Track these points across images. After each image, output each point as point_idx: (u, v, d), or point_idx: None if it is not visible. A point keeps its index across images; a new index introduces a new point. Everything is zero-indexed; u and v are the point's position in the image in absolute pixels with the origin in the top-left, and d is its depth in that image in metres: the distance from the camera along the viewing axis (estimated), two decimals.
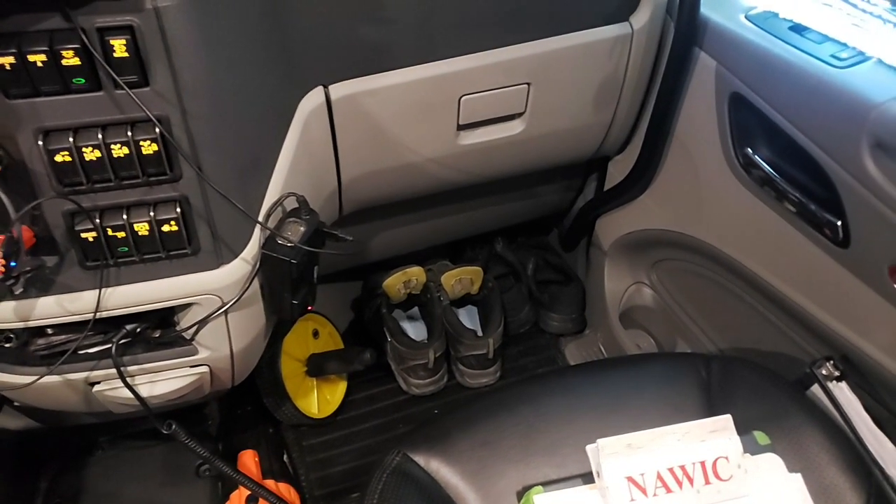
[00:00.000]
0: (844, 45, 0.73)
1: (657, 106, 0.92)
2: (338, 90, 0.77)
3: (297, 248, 0.69)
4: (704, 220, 0.95)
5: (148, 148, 0.61)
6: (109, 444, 1.11)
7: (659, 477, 0.62)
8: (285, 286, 0.73)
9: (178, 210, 0.65)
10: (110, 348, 0.71)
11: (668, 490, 0.62)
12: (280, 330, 1.10)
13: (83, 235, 0.63)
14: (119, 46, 0.56)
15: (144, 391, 0.77)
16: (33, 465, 1.08)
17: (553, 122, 0.93)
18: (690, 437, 0.63)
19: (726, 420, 0.64)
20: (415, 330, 1.30)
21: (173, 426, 0.80)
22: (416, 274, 1.23)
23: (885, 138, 0.66)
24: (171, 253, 0.67)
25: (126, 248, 0.65)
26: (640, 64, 0.91)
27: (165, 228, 0.65)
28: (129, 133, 0.60)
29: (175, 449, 1.08)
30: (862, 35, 0.72)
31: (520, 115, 0.91)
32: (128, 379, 0.75)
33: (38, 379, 0.70)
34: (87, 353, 0.73)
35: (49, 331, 0.71)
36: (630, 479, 0.62)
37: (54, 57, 0.55)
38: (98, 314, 0.67)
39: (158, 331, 0.75)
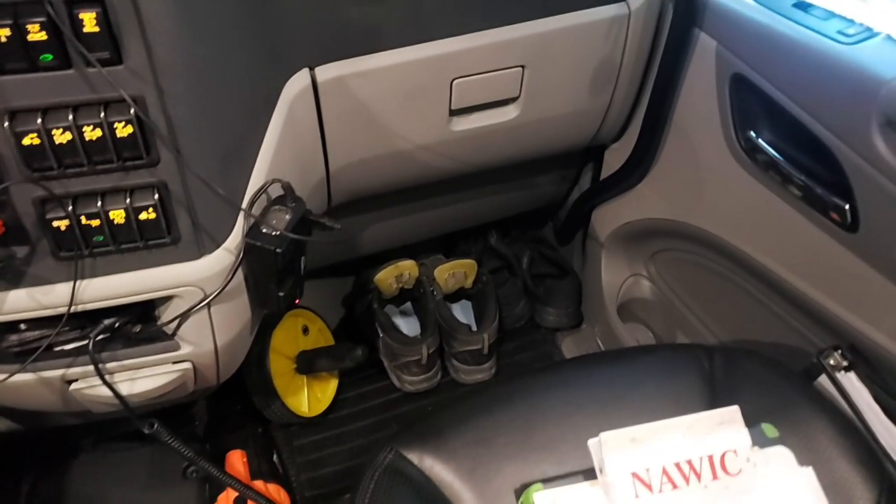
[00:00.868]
0: (851, 21, 0.71)
1: (655, 89, 0.89)
2: (324, 72, 0.74)
3: (283, 236, 0.66)
4: (705, 208, 0.92)
5: (122, 130, 0.57)
6: (93, 445, 1.07)
7: (665, 472, 0.59)
8: (271, 277, 0.69)
9: (156, 197, 0.61)
10: (87, 344, 0.68)
11: (675, 486, 0.60)
12: (268, 326, 1.07)
13: (55, 224, 0.60)
14: (89, 20, 0.53)
15: (124, 389, 0.73)
16: (14, 468, 1.05)
17: (548, 106, 0.90)
18: (697, 430, 0.60)
19: (734, 412, 0.61)
20: (408, 325, 1.27)
21: (155, 425, 0.76)
22: (408, 268, 1.20)
23: None
24: (150, 242, 0.64)
25: (101, 238, 0.62)
26: (637, 46, 0.88)
27: (143, 216, 0.62)
28: (102, 114, 0.56)
29: (161, 451, 1.04)
30: (869, 10, 0.69)
31: (514, 99, 0.88)
32: (107, 376, 0.71)
33: (9, 377, 0.67)
34: (62, 349, 0.69)
35: (22, 326, 0.67)
36: (635, 474, 0.59)
37: (19, 31, 0.52)
38: (73, 308, 0.64)
39: (138, 325, 0.72)
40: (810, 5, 0.75)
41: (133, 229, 0.62)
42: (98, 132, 0.57)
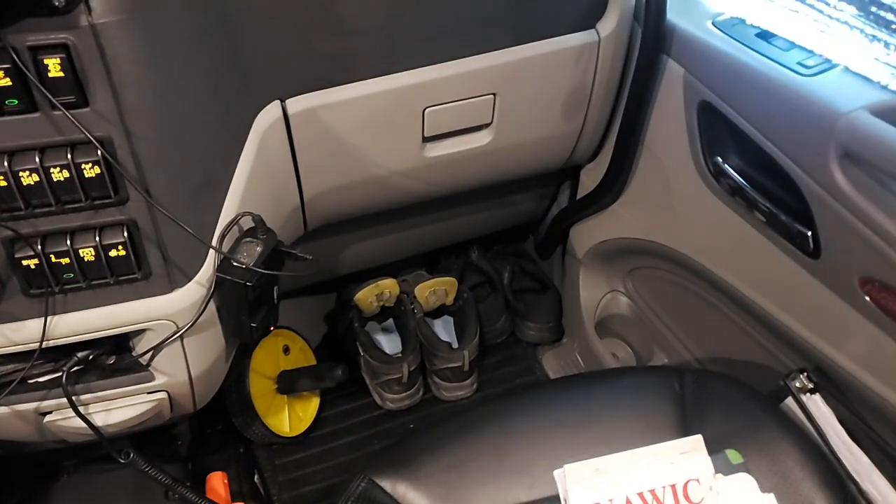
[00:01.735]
0: (811, 52, 0.72)
1: (626, 114, 0.90)
2: (295, 104, 0.75)
3: (253, 270, 0.67)
4: (677, 230, 0.94)
5: (90, 171, 0.58)
6: (75, 468, 1.07)
7: (628, 502, 0.60)
8: (242, 309, 0.70)
9: (126, 234, 0.62)
10: (61, 377, 0.68)
11: None
12: (247, 347, 1.07)
13: (24, 263, 0.61)
14: (53, 66, 0.53)
15: (99, 420, 0.74)
16: None
17: (521, 132, 0.91)
18: (660, 459, 0.61)
19: (697, 441, 0.63)
20: (389, 343, 1.27)
21: (131, 455, 0.77)
22: (388, 286, 1.21)
23: (853, 148, 0.65)
24: (121, 278, 0.64)
25: (72, 275, 0.63)
26: (608, 72, 0.89)
27: (113, 253, 0.62)
28: (70, 156, 0.57)
29: (142, 469, 1.05)
30: (828, 42, 0.71)
31: (487, 125, 0.89)
32: (82, 407, 0.72)
33: None
34: (36, 382, 0.70)
35: None
36: None
37: None
38: (45, 343, 0.65)
39: (113, 357, 0.72)
40: (773, 35, 0.76)
41: (103, 266, 0.63)
42: (65, 173, 0.58)
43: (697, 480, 0.61)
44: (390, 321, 1.30)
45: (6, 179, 0.56)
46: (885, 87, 0.65)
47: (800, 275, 0.76)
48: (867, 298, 0.68)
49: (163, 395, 0.76)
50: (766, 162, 0.75)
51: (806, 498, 0.68)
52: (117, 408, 0.74)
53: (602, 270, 1.17)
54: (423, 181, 0.92)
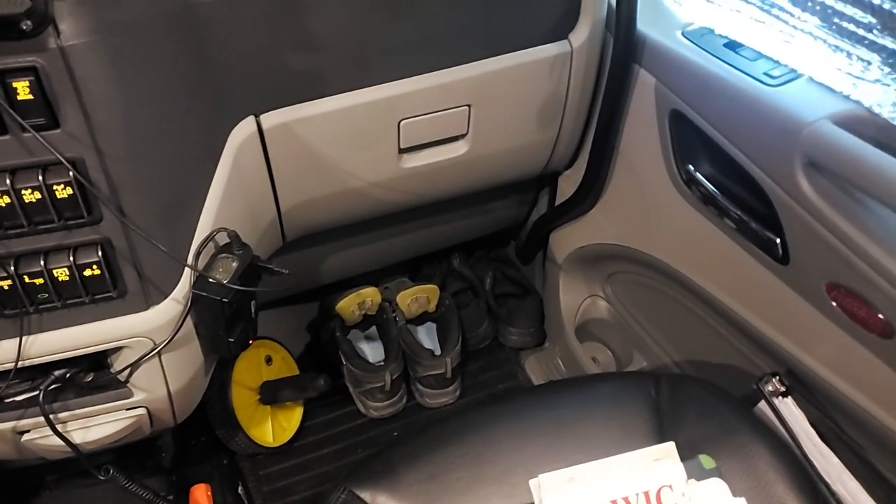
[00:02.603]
0: (777, 62, 0.73)
1: (600, 123, 0.91)
2: (269, 119, 0.75)
3: (228, 287, 0.67)
4: (652, 236, 0.95)
5: (62, 192, 0.58)
6: (57, 483, 1.07)
7: None
8: (219, 324, 0.70)
9: (100, 253, 0.62)
10: (38, 395, 0.68)
11: None
12: (228, 359, 1.08)
13: None
14: (22, 89, 0.53)
15: (78, 437, 0.74)
16: None
17: (497, 142, 0.92)
18: (634, 466, 0.62)
19: (669, 447, 0.64)
20: (373, 351, 1.28)
21: (111, 471, 0.77)
22: (370, 295, 1.21)
23: (817, 157, 0.66)
24: (96, 297, 0.65)
25: (46, 295, 0.63)
26: (581, 81, 0.90)
27: (87, 273, 0.63)
28: (41, 177, 0.57)
29: (123, 486, 1.04)
30: (793, 52, 0.72)
31: (463, 136, 0.89)
32: (60, 425, 0.72)
33: None
34: (13, 401, 0.70)
35: None
36: None
37: None
38: (20, 363, 0.65)
39: (90, 374, 0.72)
40: (740, 45, 0.77)
41: (78, 285, 0.63)
42: (37, 195, 0.58)
43: (670, 487, 0.62)
44: (373, 329, 1.30)
45: None
46: (847, 97, 0.66)
47: (770, 280, 0.77)
48: (834, 304, 0.70)
49: (142, 410, 0.76)
50: (736, 170, 0.76)
51: (778, 500, 0.69)
52: (96, 425, 0.75)
53: (582, 275, 1.18)
54: (400, 192, 0.93)
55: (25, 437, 0.72)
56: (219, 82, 0.69)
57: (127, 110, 0.59)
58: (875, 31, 0.67)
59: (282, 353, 1.20)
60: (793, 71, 0.72)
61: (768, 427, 0.76)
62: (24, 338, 0.64)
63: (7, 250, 0.60)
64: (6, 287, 0.61)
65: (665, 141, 0.86)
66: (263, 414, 1.15)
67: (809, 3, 0.70)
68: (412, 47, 0.78)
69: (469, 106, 0.86)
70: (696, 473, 0.66)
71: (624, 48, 0.84)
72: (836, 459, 0.73)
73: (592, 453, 0.71)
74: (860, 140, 0.62)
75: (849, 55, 0.68)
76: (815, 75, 0.69)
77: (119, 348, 0.69)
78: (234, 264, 0.69)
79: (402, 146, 0.86)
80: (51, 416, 0.70)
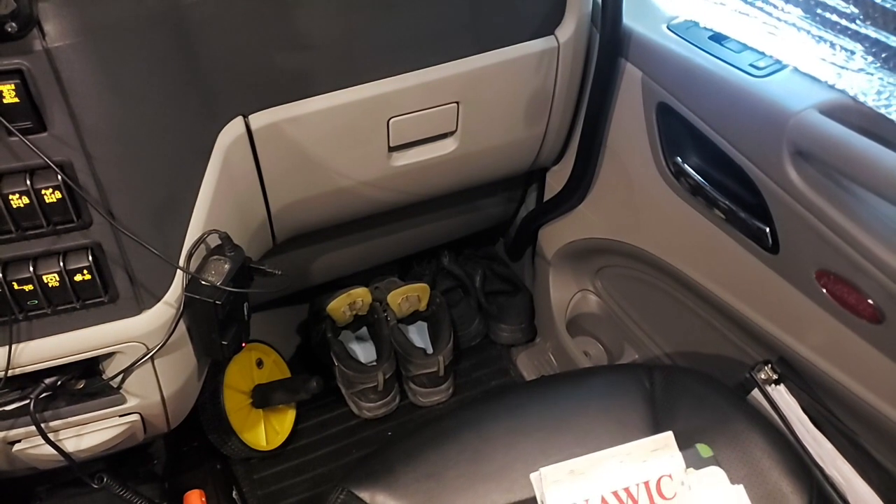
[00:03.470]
0: (762, 53, 0.74)
1: (588, 117, 0.92)
2: (258, 119, 0.75)
3: (221, 288, 0.67)
4: (641, 229, 0.96)
5: (51, 196, 0.57)
6: (48, 493, 1.05)
7: (604, 501, 0.61)
8: (213, 327, 0.70)
9: (91, 258, 0.61)
10: (28, 404, 0.67)
11: None
12: (220, 364, 1.07)
13: None
14: (8, 91, 0.53)
15: (71, 445, 0.73)
16: None
17: (486, 138, 0.92)
18: (633, 457, 0.63)
19: (667, 438, 0.64)
20: (364, 351, 1.27)
21: (105, 479, 0.76)
22: (360, 295, 1.21)
23: (804, 146, 0.67)
24: (87, 302, 0.64)
25: (36, 301, 0.62)
26: (568, 76, 0.90)
27: (78, 278, 0.62)
28: (29, 182, 0.56)
29: (117, 494, 1.03)
30: (777, 43, 0.73)
31: (452, 133, 0.90)
32: (52, 434, 0.71)
33: None
34: (3, 411, 0.69)
35: None
36: None
37: None
38: (10, 371, 0.64)
39: (82, 381, 0.71)
40: (725, 38, 0.78)
41: (68, 291, 0.62)
42: (25, 199, 0.57)
43: (670, 476, 0.63)
44: (364, 330, 1.30)
45: None
46: (832, 87, 0.67)
47: (760, 269, 0.78)
48: (824, 291, 0.71)
49: (135, 417, 0.75)
50: (724, 161, 0.77)
51: (774, 486, 0.70)
52: (89, 432, 0.74)
53: (571, 270, 1.18)
54: (390, 190, 0.93)
55: (17, 447, 0.71)
56: (207, 83, 0.68)
57: (115, 112, 0.59)
58: (857, 21, 0.68)
59: (273, 356, 1.20)
60: (778, 62, 0.73)
61: (762, 415, 0.77)
62: (13, 346, 0.63)
63: None
64: None
65: (652, 134, 0.86)
66: (256, 418, 1.14)
67: None
68: (400, 44, 0.78)
69: (457, 103, 0.86)
70: (694, 462, 0.66)
71: (610, 42, 0.84)
72: (829, 445, 0.74)
73: (589, 446, 0.72)
74: (846, 128, 0.63)
75: (832, 45, 0.69)
76: (799, 66, 0.70)
77: (111, 354, 0.68)
78: (227, 266, 0.69)
79: (391, 144, 0.86)
80: (42, 426, 0.69)
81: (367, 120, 0.81)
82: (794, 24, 0.72)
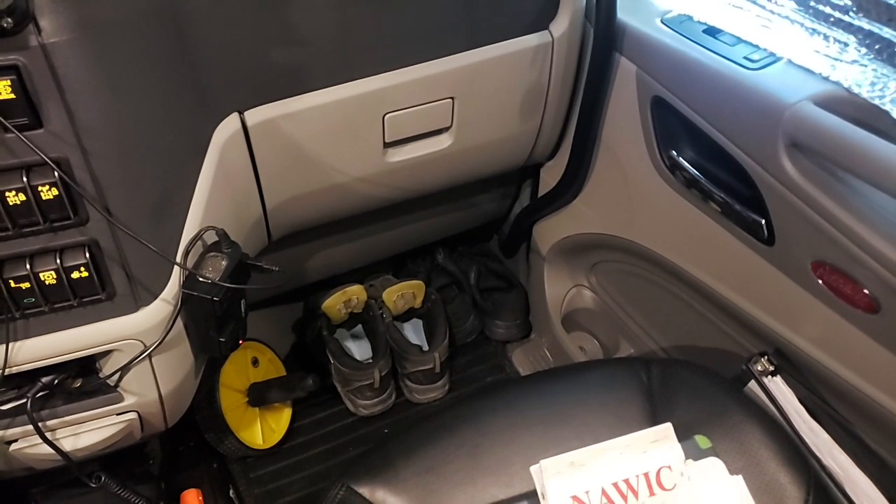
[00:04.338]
0: (756, 46, 0.74)
1: (582, 112, 0.92)
2: (254, 116, 0.74)
3: (219, 285, 0.66)
4: (636, 223, 0.96)
5: (48, 193, 0.57)
6: (43, 495, 1.05)
7: (604, 493, 0.61)
8: (210, 324, 0.69)
9: (88, 255, 0.61)
10: (25, 403, 0.67)
11: None
12: (216, 362, 1.06)
13: None
14: (3, 87, 0.52)
15: (68, 444, 0.72)
16: None
17: (481, 133, 0.92)
18: (632, 449, 0.63)
19: (667, 429, 0.64)
20: (360, 349, 1.27)
21: (102, 479, 0.76)
22: (356, 292, 1.21)
23: (800, 138, 0.67)
24: (84, 300, 0.63)
25: (33, 299, 0.61)
26: (562, 71, 0.91)
27: (75, 275, 0.61)
28: (25, 178, 0.56)
29: (113, 495, 1.03)
30: (771, 36, 0.73)
31: (447, 129, 0.90)
32: (49, 433, 0.71)
33: None
34: (0, 410, 0.68)
35: None
36: (575, 497, 0.61)
37: None
38: (7, 370, 0.63)
39: (79, 380, 0.71)
40: (719, 31, 0.78)
41: (65, 289, 0.61)
42: (21, 196, 0.56)
43: (669, 467, 0.63)
44: (359, 327, 1.30)
45: None
46: (826, 79, 0.67)
47: (756, 261, 0.79)
48: (820, 282, 0.71)
49: (133, 415, 0.75)
50: (719, 154, 0.77)
51: (772, 476, 0.71)
52: (86, 431, 0.73)
53: (566, 266, 1.19)
54: (386, 186, 0.93)
55: (14, 446, 0.71)
56: (203, 79, 0.68)
57: (112, 108, 0.58)
58: (850, 14, 0.68)
59: (268, 355, 1.19)
60: (772, 55, 0.73)
61: (759, 406, 0.78)
62: (10, 344, 0.63)
63: None
64: None
65: (647, 128, 0.87)
66: (252, 416, 1.13)
67: None
68: (395, 40, 0.78)
69: (452, 98, 0.86)
70: (693, 454, 0.67)
71: (604, 37, 0.84)
72: (825, 435, 0.75)
73: (587, 440, 0.72)
74: (841, 120, 0.63)
75: (826, 37, 0.70)
76: (794, 58, 0.71)
77: (108, 352, 0.68)
78: (224, 262, 0.69)
79: (386, 140, 0.86)
80: (40, 425, 0.68)
81: (362, 116, 0.81)
82: (787, 17, 0.73)
